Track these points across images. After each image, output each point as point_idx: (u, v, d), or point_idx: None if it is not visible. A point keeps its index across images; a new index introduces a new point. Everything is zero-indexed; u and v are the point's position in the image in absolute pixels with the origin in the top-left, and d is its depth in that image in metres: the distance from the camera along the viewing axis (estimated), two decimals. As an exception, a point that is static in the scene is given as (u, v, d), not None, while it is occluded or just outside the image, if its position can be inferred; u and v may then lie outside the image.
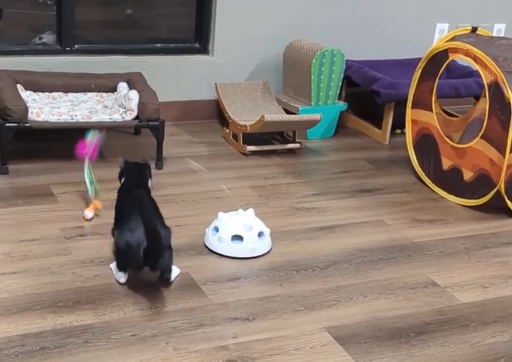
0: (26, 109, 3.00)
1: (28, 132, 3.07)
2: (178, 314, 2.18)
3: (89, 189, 2.75)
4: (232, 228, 2.53)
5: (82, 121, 3.09)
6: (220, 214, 2.58)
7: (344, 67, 3.70)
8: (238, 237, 2.53)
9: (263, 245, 2.58)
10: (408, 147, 3.36)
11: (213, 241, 2.55)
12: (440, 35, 4.08)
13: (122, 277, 2.30)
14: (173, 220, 2.73)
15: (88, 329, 2.08)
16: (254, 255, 2.54)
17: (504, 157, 2.86)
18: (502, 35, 4.27)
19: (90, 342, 2.03)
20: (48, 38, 3.64)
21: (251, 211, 2.60)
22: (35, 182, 2.97)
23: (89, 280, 2.31)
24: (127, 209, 2.32)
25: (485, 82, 2.91)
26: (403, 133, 3.49)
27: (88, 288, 2.27)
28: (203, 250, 2.56)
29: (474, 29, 3.23)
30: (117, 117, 3.14)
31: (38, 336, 2.03)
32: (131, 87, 3.34)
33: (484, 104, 2.98)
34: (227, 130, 3.61)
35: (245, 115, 3.64)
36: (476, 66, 2.97)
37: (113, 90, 3.41)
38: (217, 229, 2.55)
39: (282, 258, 2.57)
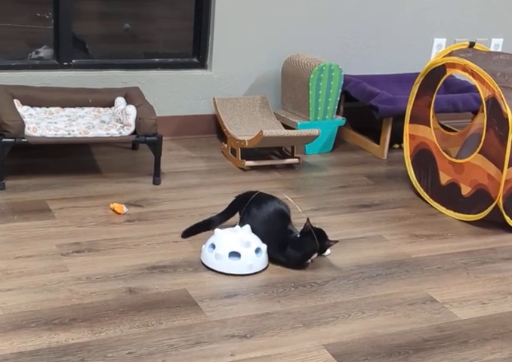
0: (22, 124, 2.99)
1: (25, 147, 3.06)
2: (175, 332, 2.16)
3: None
4: (230, 245, 2.51)
5: (79, 136, 3.08)
6: (217, 231, 2.57)
7: (342, 82, 3.71)
8: (235, 254, 2.51)
9: (261, 261, 2.56)
10: (406, 162, 3.35)
11: (209, 258, 2.52)
12: (438, 50, 4.09)
13: None
14: (170, 236, 2.74)
15: (84, 347, 2.06)
16: (252, 271, 2.53)
17: (502, 172, 2.85)
18: (500, 49, 4.28)
19: (87, 360, 2.00)
20: (45, 52, 3.63)
21: (247, 227, 2.59)
22: (32, 198, 2.96)
23: (85, 298, 2.29)
24: None
25: (482, 97, 2.91)
26: (401, 148, 3.49)
27: (85, 305, 2.25)
28: (200, 267, 2.54)
29: (472, 44, 3.24)
30: (114, 132, 3.14)
31: (33, 354, 2.01)
32: (128, 101, 3.34)
33: (482, 119, 2.98)
34: (226, 145, 3.60)
35: (243, 130, 3.64)
36: (473, 81, 2.97)
37: (111, 104, 3.41)
38: (213, 246, 2.53)
39: (280, 274, 2.55)
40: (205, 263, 2.54)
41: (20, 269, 2.43)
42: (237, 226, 2.59)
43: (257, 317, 2.27)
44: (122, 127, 3.16)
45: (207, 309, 2.29)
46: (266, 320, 2.26)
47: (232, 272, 2.50)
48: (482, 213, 2.98)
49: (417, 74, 3.26)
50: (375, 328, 2.27)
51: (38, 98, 3.35)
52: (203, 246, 2.57)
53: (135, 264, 2.52)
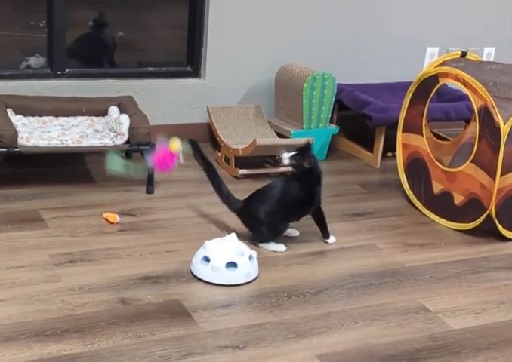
0: (15, 134, 2.99)
1: (17, 157, 3.06)
2: (168, 343, 2.15)
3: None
4: (225, 256, 2.50)
5: (72, 145, 3.08)
6: (207, 243, 2.55)
7: (335, 91, 3.72)
8: (232, 264, 2.51)
9: (255, 268, 2.57)
10: (399, 171, 3.36)
11: (205, 271, 2.50)
12: (431, 58, 4.11)
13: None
14: (163, 246, 2.74)
15: (77, 358, 2.05)
16: (249, 280, 2.53)
17: (494, 181, 2.86)
18: (492, 58, 4.30)
19: (79, 371, 2.00)
20: (36, 61, 3.62)
21: (233, 236, 2.59)
22: (25, 208, 2.95)
23: (78, 308, 2.28)
24: None
25: (474, 107, 2.92)
26: (394, 156, 3.49)
27: (77, 316, 2.24)
28: (193, 277, 2.53)
29: (464, 54, 3.25)
30: (107, 141, 3.13)
31: (25, 366, 2.00)
32: (122, 110, 3.34)
33: (474, 128, 2.98)
34: (219, 154, 3.61)
35: (237, 138, 3.64)
36: (465, 91, 2.98)
37: (104, 113, 3.41)
38: (206, 259, 2.51)
39: (274, 284, 2.55)
40: (200, 277, 2.51)
41: (12, 280, 2.42)
42: (227, 236, 2.59)
43: (250, 328, 2.27)
44: (116, 136, 3.16)
45: (200, 320, 2.28)
46: (259, 331, 2.26)
47: (230, 283, 2.49)
48: (474, 222, 2.98)
49: (410, 83, 3.27)
50: (368, 338, 2.27)
51: (31, 107, 3.35)
52: (193, 259, 2.55)
53: (128, 274, 2.51)
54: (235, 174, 3.46)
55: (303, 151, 2.77)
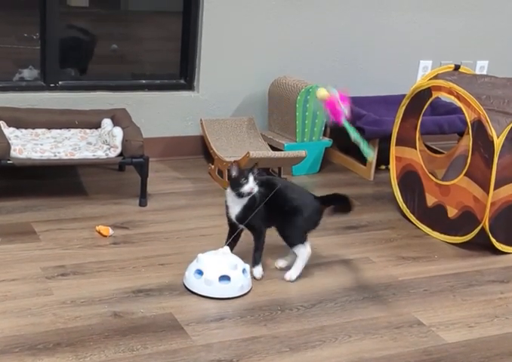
0: (8, 146, 2.98)
1: (10, 169, 3.04)
2: (161, 357, 2.14)
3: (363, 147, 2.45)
4: (219, 269, 2.49)
5: (65, 158, 3.07)
6: (200, 256, 2.54)
7: (329, 104, 3.72)
8: (225, 278, 2.49)
9: (248, 281, 2.56)
10: (393, 184, 3.36)
11: (198, 284, 2.49)
12: (424, 71, 4.13)
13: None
14: (156, 259, 2.72)
15: (68, 372, 2.04)
16: (242, 293, 2.51)
17: (487, 194, 2.86)
18: (485, 71, 4.32)
19: (70, 386, 1.99)
20: (30, 73, 3.62)
21: (226, 249, 2.58)
22: (17, 220, 2.94)
23: (70, 322, 2.27)
24: None
25: (468, 120, 2.92)
26: (388, 169, 3.49)
27: (69, 330, 2.22)
28: (187, 290, 2.52)
29: (457, 67, 3.26)
30: (101, 154, 3.13)
31: (16, 380, 1.99)
32: (115, 123, 3.33)
33: (468, 141, 2.99)
34: (213, 167, 3.60)
35: (230, 151, 3.64)
36: (459, 104, 2.99)
37: (97, 126, 3.40)
38: (199, 272, 2.50)
39: (267, 297, 2.54)
40: (193, 290, 2.50)
41: (3, 293, 2.40)
42: (220, 249, 2.58)
43: (243, 341, 2.26)
44: (109, 149, 3.16)
45: (193, 333, 2.27)
46: (253, 345, 2.25)
47: (223, 296, 2.48)
48: (468, 235, 2.98)
49: (403, 96, 3.28)
50: (362, 352, 2.26)
51: (24, 120, 3.34)
52: (186, 272, 2.54)
53: (120, 287, 2.50)
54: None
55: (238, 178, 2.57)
